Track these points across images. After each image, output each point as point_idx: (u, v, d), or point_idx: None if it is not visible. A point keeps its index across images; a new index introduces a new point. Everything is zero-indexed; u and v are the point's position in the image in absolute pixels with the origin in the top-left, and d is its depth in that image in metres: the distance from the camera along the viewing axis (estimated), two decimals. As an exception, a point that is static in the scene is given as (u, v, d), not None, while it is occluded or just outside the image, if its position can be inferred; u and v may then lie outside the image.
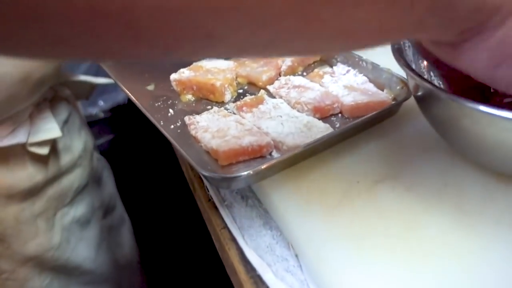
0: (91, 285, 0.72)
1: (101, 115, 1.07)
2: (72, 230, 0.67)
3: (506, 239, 0.32)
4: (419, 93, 0.37)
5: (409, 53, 0.40)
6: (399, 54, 0.37)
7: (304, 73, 0.52)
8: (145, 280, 0.88)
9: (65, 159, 0.64)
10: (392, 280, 0.31)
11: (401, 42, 0.39)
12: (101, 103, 1.14)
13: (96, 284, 0.73)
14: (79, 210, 0.68)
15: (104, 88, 1.16)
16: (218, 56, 0.25)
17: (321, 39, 0.23)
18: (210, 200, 0.42)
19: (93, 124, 1.02)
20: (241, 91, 0.51)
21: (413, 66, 0.39)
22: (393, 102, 0.44)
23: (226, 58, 0.55)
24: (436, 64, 0.32)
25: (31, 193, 0.60)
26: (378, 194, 0.37)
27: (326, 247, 0.34)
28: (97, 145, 0.82)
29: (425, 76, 0.41)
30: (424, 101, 0.37)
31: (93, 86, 0.72)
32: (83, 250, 0.68)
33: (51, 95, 0.63)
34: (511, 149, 0.32)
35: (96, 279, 0.73)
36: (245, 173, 0.37)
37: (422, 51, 0.32)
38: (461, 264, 0.31)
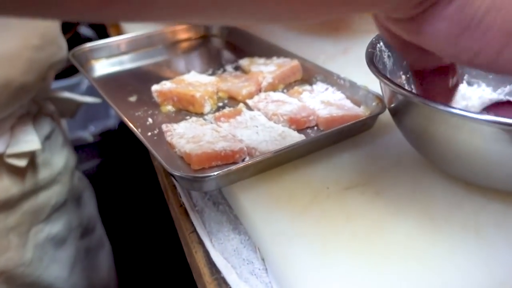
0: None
1: (90, 139, 1.08)
2: (46, 248, 0.65)
3: (471, 243, 0.32)
4: (393, 104, 0.38)
5: (389, 62, 0.41)
6: (372, 63, 0.38)
7: (285, 90, 0.53)
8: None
9: (44, 174, 0.63)
10: (358, 283, 0.30)
11: (378, 51, 0.40)
12: (92, 128, 1.15)
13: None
14: (55, 227, 0.66)
15: (96, 113, 1.17)
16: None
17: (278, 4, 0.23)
18: (181, 205, 0.42)
19: (81, 148, 1.02)
20: (221, 104, 0.51)
21: (389, 76, 0.39)
22: (368, 116, 0.44)
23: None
24: (404, 50, 0.32)
25: (5, 206, 0.59)
26: (347, 199, 0.37)
27: (293, 249, 0.33)
28: (84, 169, 0.82)
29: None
30: (398, 110, 0.37)
31: (78, 105, 0.73)
32: (56, 270, 0.66)
33: (35, 110, 0.64)
34: (481, 157, 0.32)
35: (68, 302, 0.70)
36: (215, 173, 0.37)
37: (390, 39, 0.32)
38: (427, 267, 0.31)
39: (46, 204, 0.64)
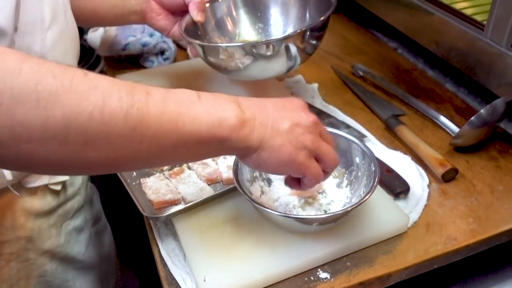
0: (82, 270, 1.05)
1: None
2: (71, 235, 1.00)
3: (273, 251, 0.73)
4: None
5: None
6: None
7: (211, 153, 0.93)
8: (120, 267, 1.28)
9: (70, 191, 1.00)
10: (229, 269, 0.71)
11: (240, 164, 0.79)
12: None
13: (86, 270, 1.07)
14: (77, 221, 1.02)
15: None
16: None
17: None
18: (149, 224, 0.83)
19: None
20: (174, 163, 0.91)
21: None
22: (247, 178, 0.84)
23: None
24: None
25: (48, 212, 0.93)
26: (226, 227, 0.77)
27: (197, 252, 0.74)
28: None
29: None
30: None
31: None
32: (78, 247, 1.02)
33: None
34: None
35: (86, 266, 1.06)
36: (164, 214, 0.77)
37: None
38: (256, 260, 0.72)
39: (71, 209, 1.03)
